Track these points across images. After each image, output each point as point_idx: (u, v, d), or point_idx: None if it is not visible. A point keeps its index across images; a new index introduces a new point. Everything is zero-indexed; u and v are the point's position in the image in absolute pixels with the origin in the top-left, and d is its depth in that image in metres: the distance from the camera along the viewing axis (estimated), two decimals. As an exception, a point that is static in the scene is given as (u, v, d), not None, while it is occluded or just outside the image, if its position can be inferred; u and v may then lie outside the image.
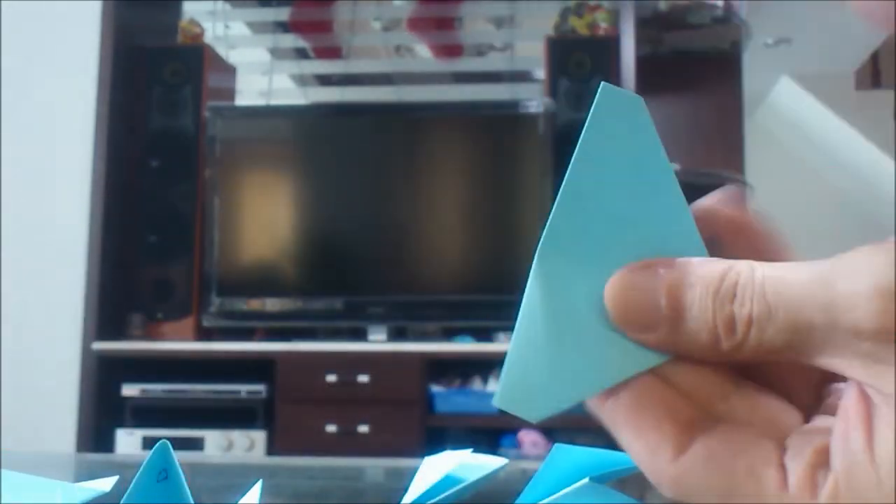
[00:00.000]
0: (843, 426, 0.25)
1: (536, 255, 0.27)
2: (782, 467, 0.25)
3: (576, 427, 2.89)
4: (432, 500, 0.36)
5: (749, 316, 0.25)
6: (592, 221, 0.27)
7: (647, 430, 0.27)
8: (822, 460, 0.25)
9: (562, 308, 0.27)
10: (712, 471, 0.26)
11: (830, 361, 0.24)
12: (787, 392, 0.28)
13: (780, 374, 0.28)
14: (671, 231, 0.27)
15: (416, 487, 0.37)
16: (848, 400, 0.25)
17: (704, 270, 0.26)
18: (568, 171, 0.27)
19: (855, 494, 0.24)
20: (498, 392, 0.26)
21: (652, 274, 0.26)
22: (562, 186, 0.27)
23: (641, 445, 0.27)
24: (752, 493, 0.25)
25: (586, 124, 0.27)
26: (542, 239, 0.27)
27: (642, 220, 0.27)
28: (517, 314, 0.27)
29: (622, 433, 0.27)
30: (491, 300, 3.00)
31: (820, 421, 0.27)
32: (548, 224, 0.27)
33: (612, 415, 0.28)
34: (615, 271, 0.27)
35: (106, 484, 0.37)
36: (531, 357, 0.27)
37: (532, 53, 3.57)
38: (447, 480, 0.37)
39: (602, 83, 0.27)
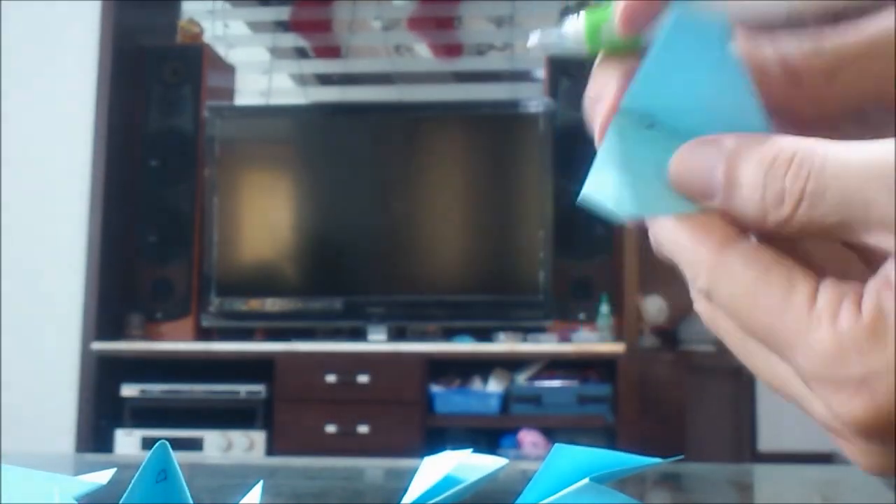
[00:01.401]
0: (879, 283, 0.24)
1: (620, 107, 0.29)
2: (815, 289, 0.25)
3: (576, 427, 2.89)
4: (432, 501, 0.36)
5: (801, 191, 0.25)
6: (669, 101, 0.29)
7: (696, 222, 0.27)
8: (853, 298, 0.25)
9: (638, 166, 0.29)
10: (751, 267, 0.26)
11: (882, 238, 0.24)
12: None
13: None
14: (740, 118, 0.28)
15: (416, 488, 0.37)
16: (891, 269, 0.24)
17: (766, 144, 0.26)
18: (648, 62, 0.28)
19: (876, 327, 0.24)
20: (583, 189, 0.28)
21: (716, 146, 0.27)
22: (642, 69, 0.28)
23: (687, 235, 0.27)
24: (782, 296, 0.26)
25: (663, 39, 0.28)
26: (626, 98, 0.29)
27: (714, 107, 0.28)
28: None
29: (665, 227, 0.28)
30: (491, 300, 2.99)
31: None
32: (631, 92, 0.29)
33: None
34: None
35: (103, 477, 0.37)
36: (613, 171, 0.29)
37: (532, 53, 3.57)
38: (447, 481, 0.37)
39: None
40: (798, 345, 0.25)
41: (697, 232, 0.27)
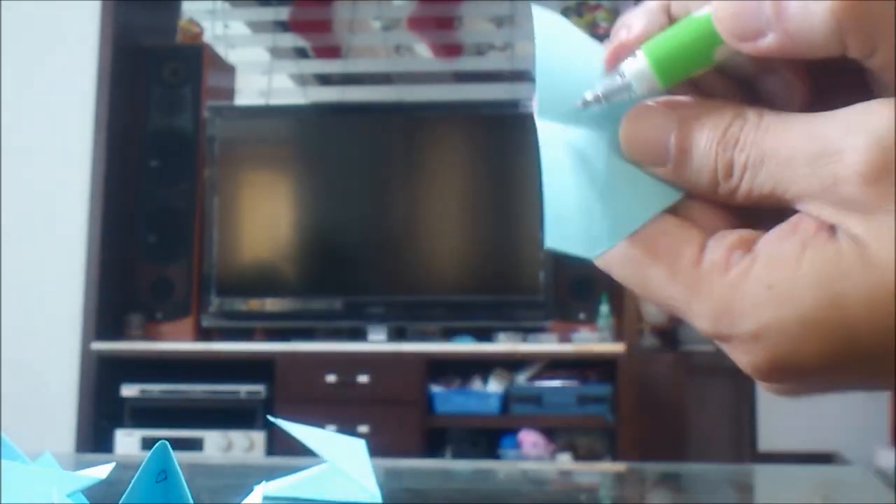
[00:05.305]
0: (786, 228, 0.26)
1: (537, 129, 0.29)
2: (702, 247, 0.27)
3: (576, 427, 2.89)
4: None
5: (745, 162, 0.26)
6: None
7: None
8: (743, 245, 0.26)
9: (583, 159, 0.28)
10: (638, 251, 0.28)
11: (807, 206, 0.25)
12: None
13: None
14: None
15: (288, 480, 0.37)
16: (805, 218, 0.26)
17: (715, 114, 0.27)
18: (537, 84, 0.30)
19: (768, 275, 0.25)
20: (546, 234, 0.28)
21: (666, 111, 0.28)
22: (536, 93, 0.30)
23: None
24: (666, 266, 0.27)
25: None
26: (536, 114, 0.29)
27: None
28: (540, 169, 0.28)
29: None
30: (491, 300, 2.99)
31: None
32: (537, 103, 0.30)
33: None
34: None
35: (102, 471, 0.37)
36: (568, 200, 0.28)
37: (532, 53, 3.56)
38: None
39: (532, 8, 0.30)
40: (690, 309, 0.27)
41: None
